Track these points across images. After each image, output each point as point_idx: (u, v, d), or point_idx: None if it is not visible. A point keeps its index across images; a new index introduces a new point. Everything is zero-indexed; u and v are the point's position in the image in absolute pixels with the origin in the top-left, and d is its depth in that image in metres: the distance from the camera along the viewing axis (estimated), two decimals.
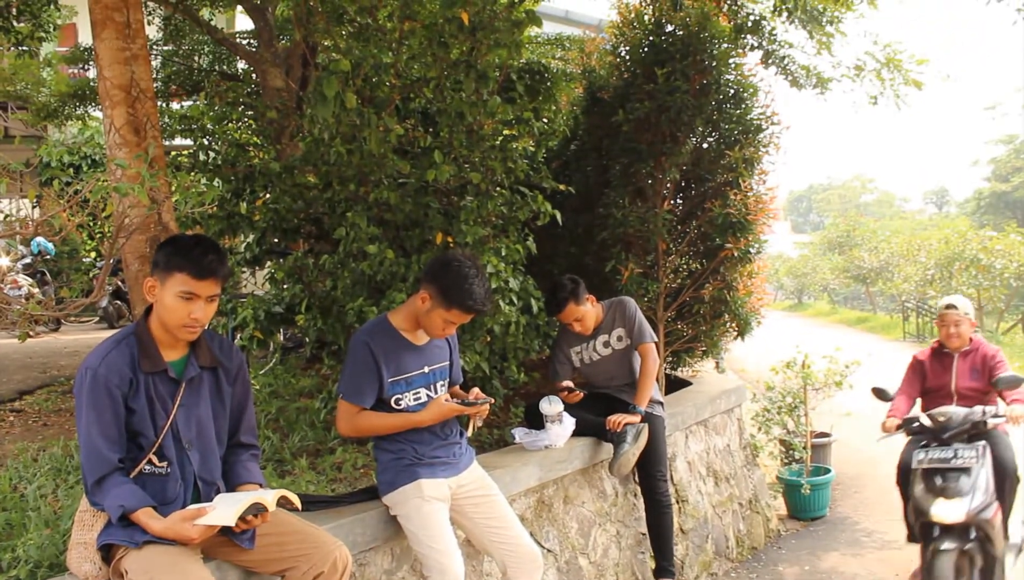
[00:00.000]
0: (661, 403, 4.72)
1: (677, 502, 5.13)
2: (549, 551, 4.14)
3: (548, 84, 5.63)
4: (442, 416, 3.17)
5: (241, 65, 9.75)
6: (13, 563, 2.83)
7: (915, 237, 27.63)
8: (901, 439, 4.75)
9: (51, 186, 12.78)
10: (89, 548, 2.48)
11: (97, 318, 13.04)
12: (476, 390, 3.29)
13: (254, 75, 8.51)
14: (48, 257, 13.30)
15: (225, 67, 9.86)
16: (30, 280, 11.98)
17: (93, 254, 14.38)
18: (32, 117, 12.08)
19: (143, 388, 2.51)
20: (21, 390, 6.80)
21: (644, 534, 4.73)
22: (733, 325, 6.11)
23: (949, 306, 4.86)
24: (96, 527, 2.48)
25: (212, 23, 9.43)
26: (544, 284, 4.95)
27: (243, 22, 11.25)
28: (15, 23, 7.13)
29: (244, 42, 9.16)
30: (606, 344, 4.65)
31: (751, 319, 6.07)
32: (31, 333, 4.00)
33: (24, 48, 7.61)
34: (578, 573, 4.29)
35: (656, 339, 4.69)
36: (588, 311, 4.57)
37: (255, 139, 7.25)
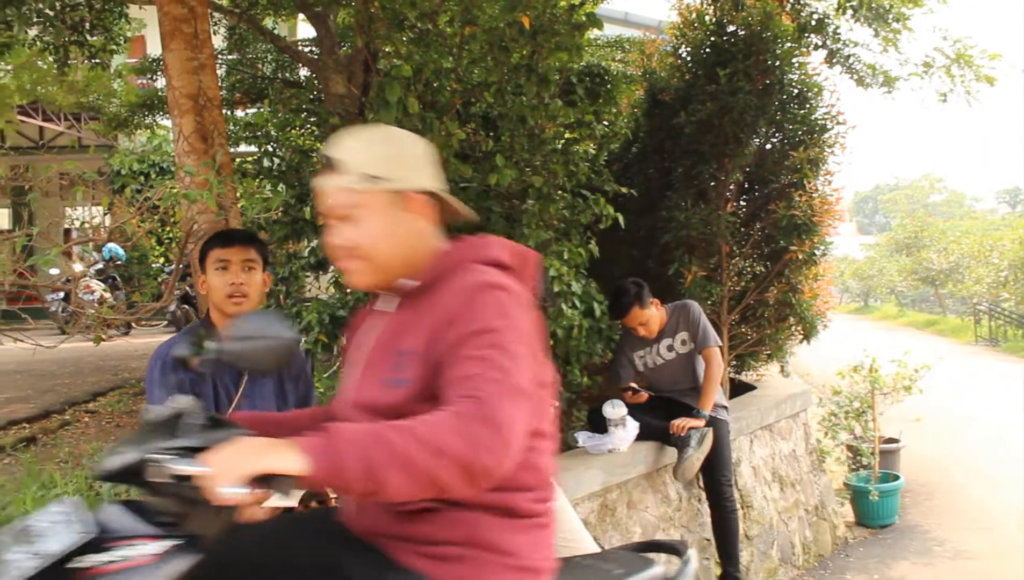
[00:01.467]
0: (726, 407, 4.67)
1: (742, 507, 5.06)
2: None
3: (609, 87, 5.61)
4: None
5: (304, 72, 9.88)
6: None
7: (987, 237, 26.91)
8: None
9: (122, 194, 13.15)
10: None
11: (166, 322, 13.35)
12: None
13: (316, 82, 8.62)
14: (119, 262, 13.65)
15: (288, 75, 10.01)
16: (103, 285, 12.33)
17: (162, 259, 14.72)
18: (104, 127, 12.41)
19: (209, 375, 2.56)
20: (95, 392, 7.00)
21: (709, 540, 4.67)
22: (798, 328, 6.02)
23: None
24: None
25: (275, 32, 9.58)
26: (607, 288, 4.92)
27: (305, 30, 11.41)
28: (89, 37, 7.33)
29: (306, 50, 9.28)
30: (670, 348, 4.61)
31: (817, 322, 5.98)
32: (104, 336, 4.11)
33: (97, 61, 7.81)
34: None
35: (720, 343, 4.64)
36: (652, 315, 4.54)
37: (318, 145, 7.35)
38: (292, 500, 1.73)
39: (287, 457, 1.31)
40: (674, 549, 2.09)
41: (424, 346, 1.57)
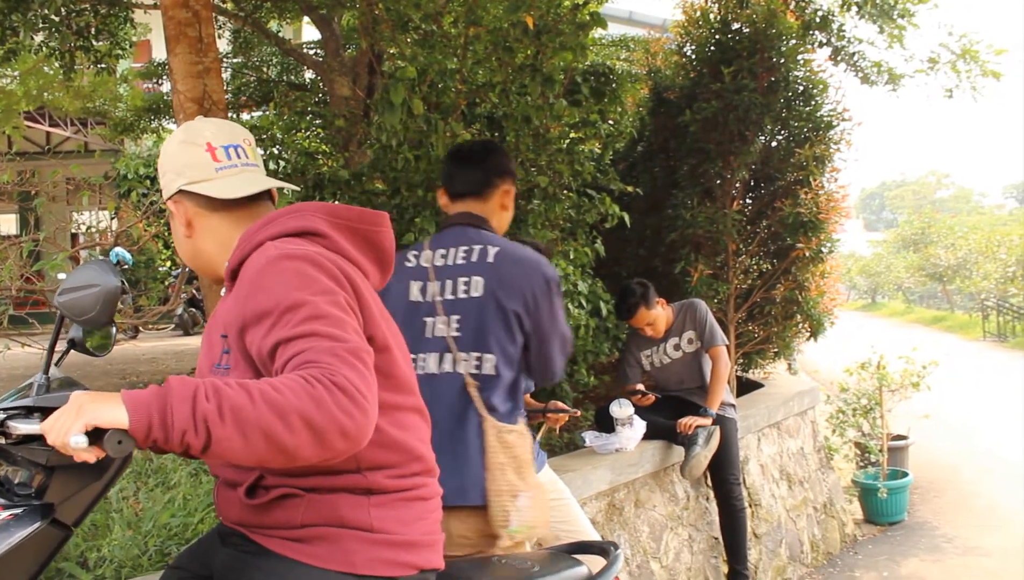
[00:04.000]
0: (733, 406, 4.66)
1: (750, 506, 5.06)
2: None
3: (614, 86, 5.61)
4: None
5: (309, 75, 9.90)
6: (99, 562, 2.92)
7: (995, 233, 26.85)
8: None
9: (128, 198, 13.18)
10: None
11: (173, 326, 13.39)
12: (557, 403, 3.25)
13: (321, 84, 8.64)
14: (126, 267, 13.62)
15: (293, 77, 10.03)
16: None
17: (168, 263, 14.76)
18: (110, 132, 12.47)
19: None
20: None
21: (717, 538, 4.67)
22: (805, 326, 6.01)
23: None
24: None
25: (280, 35, 9.60)
26: (613, 287, 4.92)
27: (310, 33, 11.43)
28: (94, 42, 7.36)
29: (311, 52, 9.30)
30: (676, 347, 4.60)
31: (824, 319, 5.97)
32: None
33: (102, 66, 7.84)
34: (650, 577, 4.25)
35: (727, 342, 4.63)
36: (659, 315, 4.53)
37: (324, 147, 7.35)
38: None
39: (112, 409, 1.26)
40: (603, 550, 2.07)
41: (234, 333, 1.53)
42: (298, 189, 2.02)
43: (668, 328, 4.61)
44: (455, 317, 2.35)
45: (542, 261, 2.42)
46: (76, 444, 1.25)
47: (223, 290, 1.72)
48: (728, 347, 4.64)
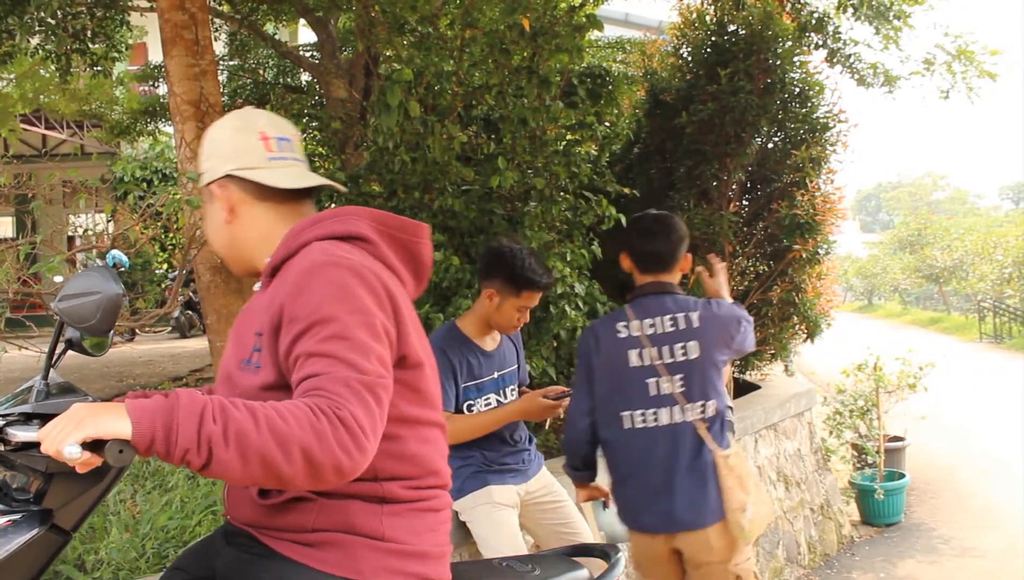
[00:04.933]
0: (730, 407, 4.64)
1: None
2: None
3: (610, 88, 5.61)
4: (535, 411, 3.12)
5: (305, 77, 9.91)
6: (97, 565, 2.92)
7: (991, 234, 26.87)
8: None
9: (125, 201, 13.17)
10: None
11: (170, 328, 13.38)
12: (554, 388, 3.24)
13: (318, 87, 8.65)
14: (123, 269, 13.60)
15: (289, 79, 10.04)
16: None
17: (165, 266, 14.75)
18: (106, 134, 12.45)
19: None
20: (99, 398, 7.01)
21: None
22: (802, 327, 6.02)
23: None
24: None
25: (276, 37, 9.61)
26: (610, 289, 4.92)
27: (306, 35, 11.43)
28: (91, 45, 7.35)
29: (307, 54, 9.31)
30: None
31: (820, 321, 5.98)
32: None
33: (99, 68, 7.83)
34: None
35: None
36: None
37: (320, 149, 7.36)
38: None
39: (115, 421, 1.26)
40: (604, 553, 2.08)
41: (268, 331, 1.52)
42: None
43: None
44: (678, 376, 2.78)
45: (734, 309, 2.90)
46: (70, 455, 1.24)
47: (257, 285, 1.72)
48: None
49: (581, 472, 3.07)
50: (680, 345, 2.78)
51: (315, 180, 1.71)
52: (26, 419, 1.41)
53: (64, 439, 1.25)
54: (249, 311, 1.66)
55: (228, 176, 1.68)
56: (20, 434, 1.35)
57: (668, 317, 2.81)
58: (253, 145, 1.68)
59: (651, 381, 2.80)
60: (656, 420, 2.79)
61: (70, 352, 1.86)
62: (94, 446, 1.25)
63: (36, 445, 1.33)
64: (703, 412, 2.79)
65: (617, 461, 2.91)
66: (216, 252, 1.77)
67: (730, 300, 2.99)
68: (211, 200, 1.72)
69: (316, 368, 1.40)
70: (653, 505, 2.79)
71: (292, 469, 1.30)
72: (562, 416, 3.41)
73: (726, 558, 2.75)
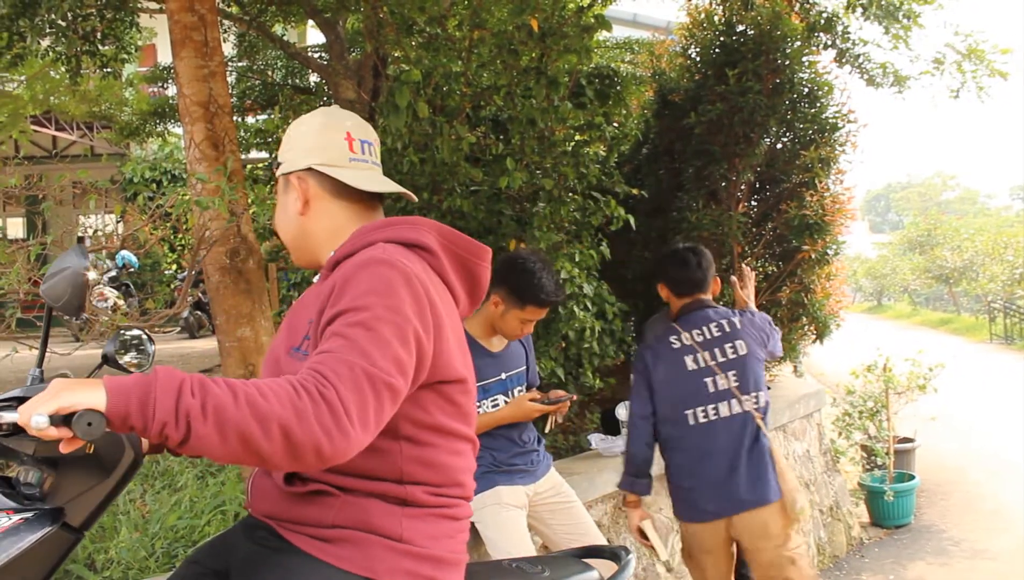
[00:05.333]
0: None
1: None
2: None
3: (618, 88, 5.60)
4: (523, 414, 3.15)
5: (313, 78, 9.92)
6: (107, 564, 2.93)
7: (1001, 234, 26.76)
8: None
9: (135, 201, 13.21)
10: None
11: (179, 329, 13.40)
12: (556, 391, 3.27)
13: (326, 88, 8.66)
14: (132, 270, 13.71)
15: (298, 80, 10.04)
16: (116, 292, 12.38)
17: (174, 266, 14.79)
18: (116, 136, 12.48)
19: None
20: None
21: None
22: (811, 328, 6.00)
23: None
24: None
25: (284, 38, 9.61)
26: (618, 289, 4.92)
27: (314, 36, 11.44)
28: (100, 47, 7.37)
29: (316, 55, 9.31)
30: None
31: (830, 322, 5.96)
32: None
33: (108, 70, 7.85)
34: (656, 579, 4.25)
35: None
36: None
37: None
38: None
39: (90, 393, 1.26)
40: (614, 555, 2.08)
41: (316, 318, 1.55)
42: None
43: None
44: (731, 372, 3.17)
45: (765, 316, 3.39)
46: (36, 424, 1.24)
47: (316, 277, 1.75)
48: None
49: (641, 481, 3.30)
50: (729, 345, 3.18)
51: (392, 186, 1.75)
52: (17, 404, 1.42)
53: (35, 408, 1.25)
54: (304, 301, 1.71)
55: (309, 169, 1.72)
56: (7, 416, 1.35)
57: (713, 325, 3.22)
58: (338, 143, 1.72)
59: (708, 380, 3.18)
60: (717, 414, 3.16)
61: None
62: (69, 420, 1.25)
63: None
64: (756, 402, 3.17)
65: (681, 458, 3.24)
66: (282, 240, 1.80)
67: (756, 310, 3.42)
68: (286, 190, 1.76)
69: (330, 346, 1.42)
70: (717, 491, 3.13)
71: (271, 446, 1.29)
72: (559, 421, 3.44)
73: (781, 542, 3.08)
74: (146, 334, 1.93)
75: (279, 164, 1.77)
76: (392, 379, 1.42)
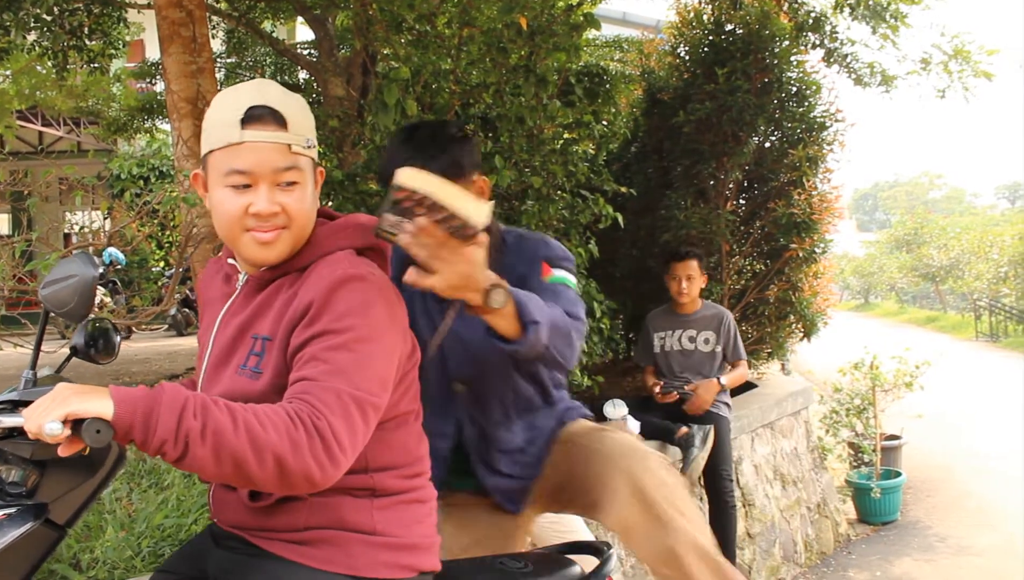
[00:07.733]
0: (728, 404, 4.70)
1: (744, 506, 5.07)
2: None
3: (607, 87, 5.60)
4: None
5: (303, 75, 9.89)
6: (92, 563, 2.91)
7: (987, 233, 26.93)
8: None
9: (122, 198, 13.15)
10: None
11: (166, 326, 13.34)
12: None
13: (315, 85, 8.63)
14: (119, 267, 13.64)
15: (287, 77, 10.01)
16: (103, 290, 12.32)
17: (162, 264, 14.72)
18: (103, 131, 12.41)
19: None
20: None
21: None
22: (799, 326, 6.03)
23: None
24: None
25: (274, 35, 9.59)
26: (607, 288, 4.93)
27: (304, 33, 11.41)
28: (88, 41, 7.34)
29: (305, 52, 9.29)
30: (692, 340, 4.69)
31: (817, 320, 5.98)
32: None
33: (96, 65, 7.81)
34: (643, 577, 4.26)
35: (746, 357, 4.89)
36: (698, 282, 4.71)
37: (318, 148, 7.31)
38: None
39: (98, 401, 1.27)
40: (596, 550, 2.08)
41: (281, 334, 1.51)
42: None
43: (692, 315, 4.69)
44: None
45: None
46: (50, 431, 1.24)
47: (238, 271, 1.68)
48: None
49: None
50: None
51: None
52: (12, 407, 1.41)
53: (47, 415, 1.25)
54: (250, 314, 1.61)
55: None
56: (5, 420, 1.35)
57: None
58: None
59: None
60: None
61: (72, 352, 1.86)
62: (75, 427, 1.26)
63: (22, 433, 1.33)
64: None
65: None
66: (299, 232, 1.59)
67: None
68: (313, 177, 1.63)
69: (313, 372, 1.42)
70: None
71: (263, 474, 1.32)
72: None
73: None
74: (112, 325, 1.92)
75: (311, 145, 1.59)
76: (376, 399, 1.46)
